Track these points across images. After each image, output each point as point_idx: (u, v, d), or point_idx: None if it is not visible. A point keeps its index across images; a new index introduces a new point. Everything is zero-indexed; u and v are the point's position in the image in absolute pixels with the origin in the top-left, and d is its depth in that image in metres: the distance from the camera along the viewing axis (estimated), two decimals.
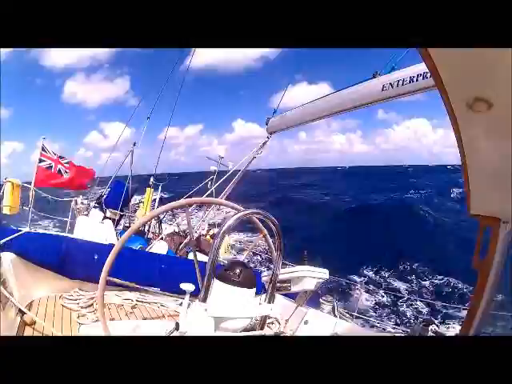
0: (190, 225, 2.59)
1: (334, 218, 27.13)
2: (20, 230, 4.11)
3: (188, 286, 2.07)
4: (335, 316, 4.05)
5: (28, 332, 2.84)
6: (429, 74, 3.59)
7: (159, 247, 6.91)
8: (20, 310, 2.94)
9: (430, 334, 3.05)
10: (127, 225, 10.40)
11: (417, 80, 3.67)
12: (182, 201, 2.62)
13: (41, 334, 2.84)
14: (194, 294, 2.10)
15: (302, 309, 3.87)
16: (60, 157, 9.43)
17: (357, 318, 6.10)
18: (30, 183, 8.52)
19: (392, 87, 3.84)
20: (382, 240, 19.86)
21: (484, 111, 1.23)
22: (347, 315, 4.74)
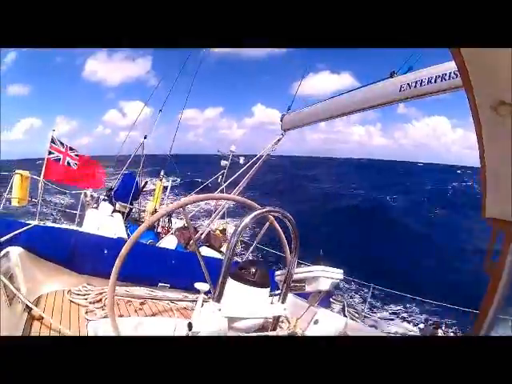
0: (189, 224, 2.57)
1: (328, 213, 27.23)
2: (28, 224, 4.10)
3: (202, 286, 2.04)
4: (345, 316, 4.02)
5: (35, 327, 2.82)
6: (447, 76, 3.53)
7: (168, 242, 6.91)
8: (27, 306, 2.92)
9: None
10: (136, 218, 10.43)
11: (435, 81, 3.60)
12: (194, 197, 2.59)
13: (48, 330, 2.82)
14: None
15: (313, 308, 3.84)
16: (70, 148, 9.47)
17: (365, 317, 6.07)
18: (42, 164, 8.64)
19: (410, 88, 3.78)
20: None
21: (508, 115, 1.21)
22: (356, 315, 4.70)
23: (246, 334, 2.03)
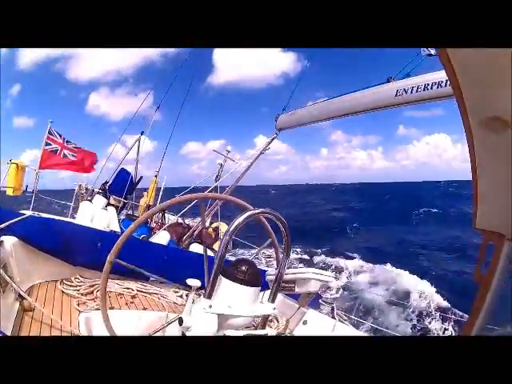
0: (204, 217, 2.60)
1: None
2: (23, 214, 4.11)
3: (194, 282, 2.07)
4: (334, 318, 4.05)
5: (27, 318, 2.84)
6: (444, 83, 3.56)
7: (161, 237, 6.92)
8: (20, 295, 2.94)
9: None
10: (130, 213, 10.42)
11: (431, 88, 3.64)
12: (189, 195, 2.61)
13: (40, 320, 2.84)
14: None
15: (303, 309, 3.87)
16: (67, 141, 9.45)
17: (354, 320, 6.08)
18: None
19: (406, 93, 3.82)
20: None
21: (500, 130, 1.22)
22: (345, 317, 4.72)
23: (233, 333, 2.06)
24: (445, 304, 13.06)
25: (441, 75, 3.56)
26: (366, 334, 3.51)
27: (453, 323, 10.98)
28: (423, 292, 14.21)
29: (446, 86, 3.50)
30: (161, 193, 10.91)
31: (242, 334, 1.97)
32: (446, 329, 10.97)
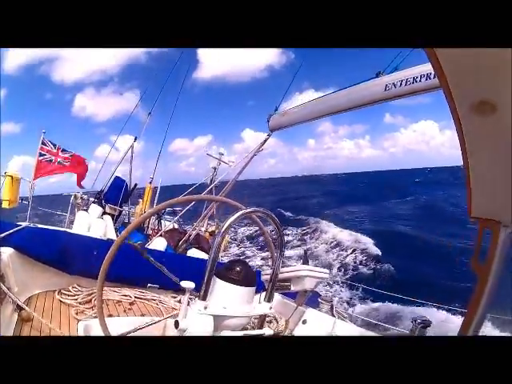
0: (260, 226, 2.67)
1: None
2: (20, 225, 4.10)
3: (188, 284, 2.06)
4: (333, 316, 4.03)
5: (26, 328, 2.83)
6: (432, 75, 3.57)
7: (158, 244, 6.89)
8: (18, 306, 2.93)
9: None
10: (126, 221, 10.38)
11: (420, 80, 3.65)
12: (183, 197, 2.61)
13: (39, 330, 2.83)
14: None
15: (301, 308, 3.85)
16: (63, 150, 9.43)
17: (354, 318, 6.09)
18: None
19: (395, 87, 3.83)
20: None
21: (488, 114, 1.22)
22: (345, 315, 4.71)
23: (230, 334, 2.06)
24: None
25: (429, 67, 3.56)
26: (365, 334, 3.49)
27: None
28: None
29: (434, 77, 3.51)
30: (157, 196, 10.88)
31: (238, 335, 1.96)
32: None
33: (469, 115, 1.31)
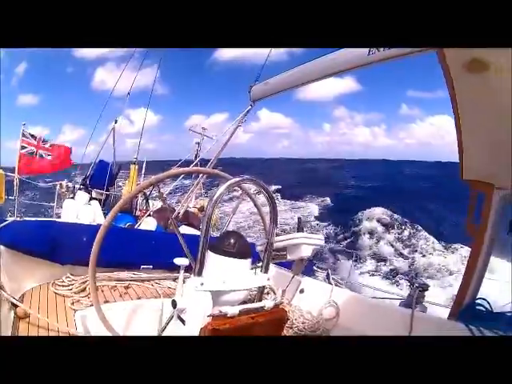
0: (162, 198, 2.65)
1: None
2: (6, 220, 4.02)
3: (182, 261, 2.02)
4: (330, 283, 4.06)
5: (23, 325, 2.79)
6: None
7: (147, 224, 6.85)
8: (13, 304, 2.88)
9: (425, 300, 3.06)
10: (113, 205, 10.29)
11: None
12: (169, 172, 2.54)
13: (36, 325, 2.79)
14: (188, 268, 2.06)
15: (297, 277, 3.87)
16: (43, 140, 9.33)
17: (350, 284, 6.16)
18: None
19: (378, 51, 3.74)
20: None
21: (480, 71, 1.21)
22: (341, 281, 4.76)
23: (233, 309, 2.03)
24: None
25: None
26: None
27: None
28: None
29: None
30: (142, 174, 10.80)
31: (238, 309, 1.92)
32: None
33: (461, 74, 1.31)
